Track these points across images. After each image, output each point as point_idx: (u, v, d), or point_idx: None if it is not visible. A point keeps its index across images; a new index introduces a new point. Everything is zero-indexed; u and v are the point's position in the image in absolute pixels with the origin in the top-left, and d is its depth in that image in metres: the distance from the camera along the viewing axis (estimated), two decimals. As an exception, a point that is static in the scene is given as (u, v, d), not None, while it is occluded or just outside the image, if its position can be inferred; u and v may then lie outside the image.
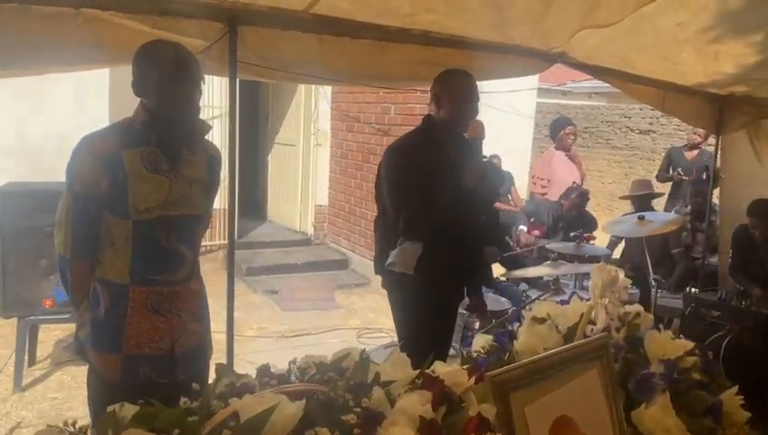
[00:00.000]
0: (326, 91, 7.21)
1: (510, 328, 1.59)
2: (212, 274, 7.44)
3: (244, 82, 7.68)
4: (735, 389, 1.41)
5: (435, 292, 2.64)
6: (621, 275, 1.48)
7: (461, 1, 2.48)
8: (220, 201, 7.19)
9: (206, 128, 2.02)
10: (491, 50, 3.16)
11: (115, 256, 1.90)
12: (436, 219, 2.53)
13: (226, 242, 7.00)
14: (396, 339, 4.86)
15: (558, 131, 6.44)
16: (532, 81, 9.23)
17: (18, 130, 5.56)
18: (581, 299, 1.66)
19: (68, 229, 1.89)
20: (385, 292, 2.90)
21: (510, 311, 3.43)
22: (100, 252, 1.92)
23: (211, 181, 2.05)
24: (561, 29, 3.12)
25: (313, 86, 7.15)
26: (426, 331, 2.60)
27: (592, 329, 1.44)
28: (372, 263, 6.92)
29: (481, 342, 1.60)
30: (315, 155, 7.44)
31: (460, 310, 3.27)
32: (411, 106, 6.03)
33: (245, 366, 4.52)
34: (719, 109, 4.39)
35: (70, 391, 3.87)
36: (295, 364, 1.26)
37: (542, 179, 6.32)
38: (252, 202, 8.43)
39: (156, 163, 1.88)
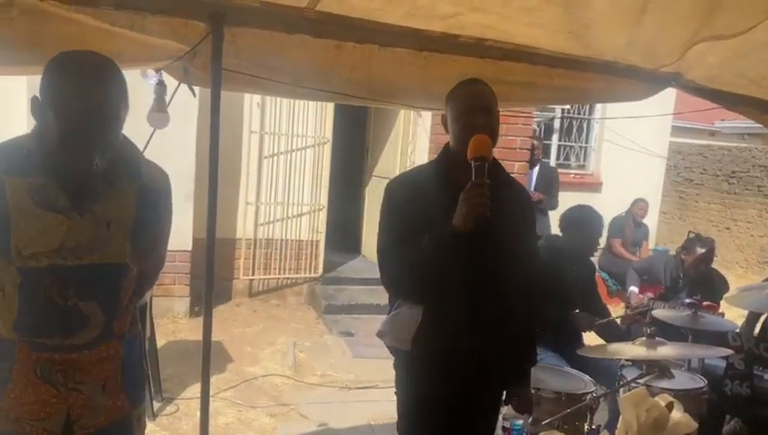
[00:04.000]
0: (425, 122, 6.77)
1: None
2: (296, 308, 7.22)
3: (347, 111, 7.52)
4: None
5: (442, 378, 1.95)
6: (678, 412, 0.84)
7: (518, -3, 1.91)
8: (310, 233, 6.97)
9: (133, 153, 1.60)
10: (575, 67, 2.54)
11: (3, 306, 1.51)
12: (422, 268, 1.86)
13: (313, 276, 6.78)
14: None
15: None
16: (668, 116, 8.21)
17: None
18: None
19: None
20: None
21: (589, 396, 2.68)
22: None
23: (141, 219, 1.57)
24: (668, 40, 2.44)
25: (411, 118, 6.75)
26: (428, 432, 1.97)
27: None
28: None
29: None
30: (411, 190, 6.97)
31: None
32: (511, 139, 5.41)
33: (297, 419, 4.13)
34: None
35: None
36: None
37: None
38: (348, 235, 8.13)
39: (49, 197, 1.46)
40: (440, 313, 1.93)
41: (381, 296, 6.39)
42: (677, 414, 0.85)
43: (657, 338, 2.60)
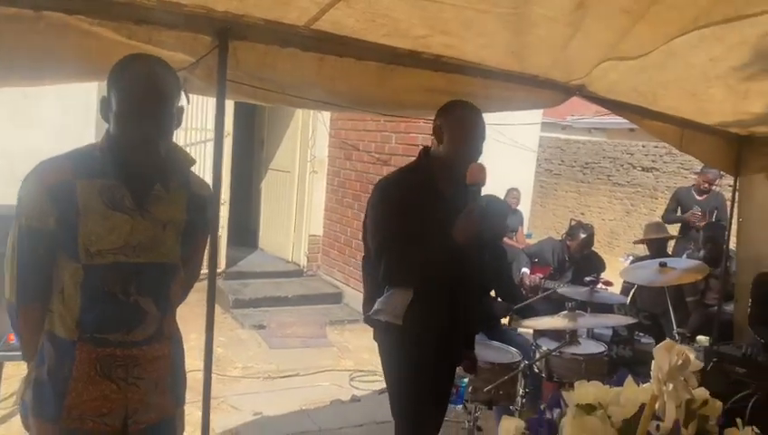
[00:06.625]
0: (324, 117, 6.97)
1: (547, 415, 1.29)
2: (199, 304, 7.09)
3: (239, 104, 7.50)
4: None
5: (427, 347, 2.33)
6: (693, 356, 1.19)
7: (479, 23, 2.22)
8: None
9: (187, 161, 1.72)
10: (507, 79, 2.91)
11: (63, 306, 1.59)
12: (425, 267, 2.23)
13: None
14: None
15: None
16: (537, 114, 9.08)
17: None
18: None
19: (13, 269, 1.60)
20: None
21: (521, 364, 3.12)
22: (50, 298, 1.62)
23: (191, 223, 1.71)
24: (584, 60, 2.88)
25: (311, 112, 6.91)
26: (416, 390, 2.32)
27: (658, 426, 1.14)
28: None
29: (510, 428, 1.30)
30: (311, 183, 7.16)
31: None
32: (413, 135, 5.78)
33: (229, 411, 4.21)
34: (738, 149, 4.17)
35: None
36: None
37: None
38: (243, 230, 8.12)
39: (116, 199, 1.57)
40: (428, 295, 2.29)
41: (287, 289, 6.63)
42: (692, 356, 1.20)
43: (577, 311, 3.07)
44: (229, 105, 6.52)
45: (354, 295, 6.61)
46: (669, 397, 1.16)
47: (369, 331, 5.89)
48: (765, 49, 2.55)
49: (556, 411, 1.27)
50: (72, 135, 5.00)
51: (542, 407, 1.36)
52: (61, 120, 5.17)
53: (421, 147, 2.47)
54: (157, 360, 1.70)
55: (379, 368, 4.83)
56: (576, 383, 1.33)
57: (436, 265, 2.21)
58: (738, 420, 1.22)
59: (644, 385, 1.28)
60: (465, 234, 2.16)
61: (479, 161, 2.25)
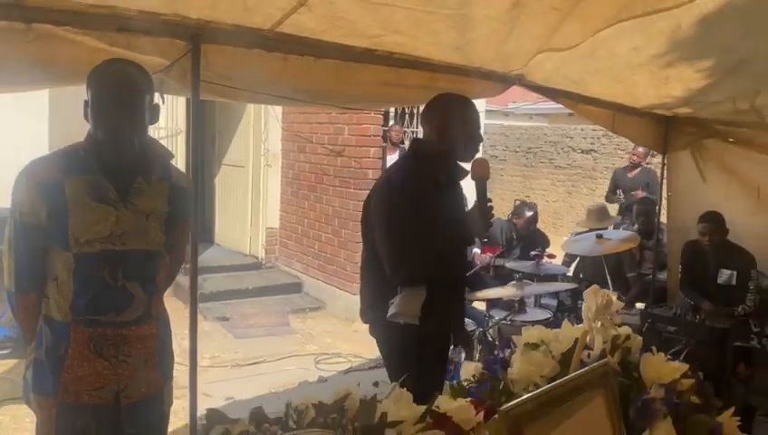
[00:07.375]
0: (276, 111, 7.10)
1: (500, 355, 1.54)
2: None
3: (191, 101, 7.55)
4: (731, 410, 1.40)
5: (439, 339, 2.46)
6: (614, 297, 1.47)
7: (427, 23, 2.46)
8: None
9: (166, 155, 1.89)
10: (453, 72, 3.16)
11: (57, 292, 1.76)
12: (442, 261, 2.25)
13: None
14: (354, 365, 4.80)
15: None
16: (481, 103, 9.41)
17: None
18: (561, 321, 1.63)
19: (11, 260, 1.76)
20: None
21: (476, 332, 3.40)
22: (45, 286, 1.78)
23: (172, 214, 1.86)
24: (521, 52, 3.15)
25: (263, 106, 7.03)
26: (428, 380, 2.34)
27: (588, 354, 1.41)
28: (327, 286, 6.63)
29: (470, 370, 1.55)
30: (265, 176, 7.29)
31: None
32: (365, 127, 6.00)
33: (202, 399, 4.33)
34: (665, 129, 4.56)
35: (8, 433, 3.60)
36: (291, 407, 1.17)
37: None
38: (198, 225, 8.17)
39: (101, 192, 1.73)
40: (439, 289, 2.30)
41: (247, 281, 6.78)
42: (615, 299, 1.47)
43: (523, 281, 3.37)
44: (180, 101, 6.58)
45: (314, 284, 6.80)
46: (598, 332, 1.43)
47: (332, 318, 6.15)
48: (679, 39, 2.88)
49: (507, 351, 1.53)
50: (27, 134, 5.05)
51: (495, 351, 1.61)
52: (15, 120, 5.16)
53: (410, 139, 2.64)
54: (145, 338, 1.84)
55: (343, 350, 5.10)
56: (523, 328, 1.59)
57: (450, 259, 2.30)
58: (653, 347, 1.49)
59: (577, 326, 1.55)
60: (477, 229, 2.23)
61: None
